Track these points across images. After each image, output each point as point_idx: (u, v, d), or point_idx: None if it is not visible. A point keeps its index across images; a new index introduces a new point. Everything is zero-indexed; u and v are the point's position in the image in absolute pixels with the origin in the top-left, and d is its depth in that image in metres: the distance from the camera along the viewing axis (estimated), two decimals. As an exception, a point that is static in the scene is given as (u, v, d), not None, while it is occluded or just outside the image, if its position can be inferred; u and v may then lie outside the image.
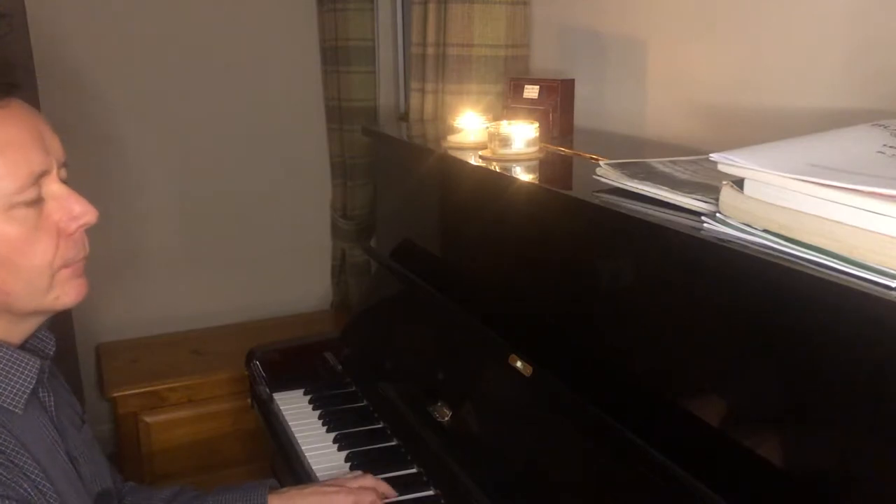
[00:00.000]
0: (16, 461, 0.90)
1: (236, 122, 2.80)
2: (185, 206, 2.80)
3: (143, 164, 2.70)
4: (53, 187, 0.94)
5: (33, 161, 0.91)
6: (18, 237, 0.90)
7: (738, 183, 0.86)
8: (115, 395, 2.40)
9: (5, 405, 0.93)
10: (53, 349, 1.04)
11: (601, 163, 1.16)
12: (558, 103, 1.65)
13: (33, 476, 0.91)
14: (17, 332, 0.98)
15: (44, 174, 0.92)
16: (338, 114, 2.74)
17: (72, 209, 0.95)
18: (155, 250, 2.75)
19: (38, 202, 0.92)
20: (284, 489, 1.29)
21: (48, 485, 0.93)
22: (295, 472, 1.46)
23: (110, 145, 2.58)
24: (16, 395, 0.94)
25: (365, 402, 1.67)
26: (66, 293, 0.97)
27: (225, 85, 2.75)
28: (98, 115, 2.58)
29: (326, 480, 1.35)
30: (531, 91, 1.70)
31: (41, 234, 0.92)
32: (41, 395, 0.99)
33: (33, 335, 1.01)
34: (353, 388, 1.73)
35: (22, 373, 0.95)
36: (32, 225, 0.91)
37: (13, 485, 0.88)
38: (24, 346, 0.99)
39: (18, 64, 2.29)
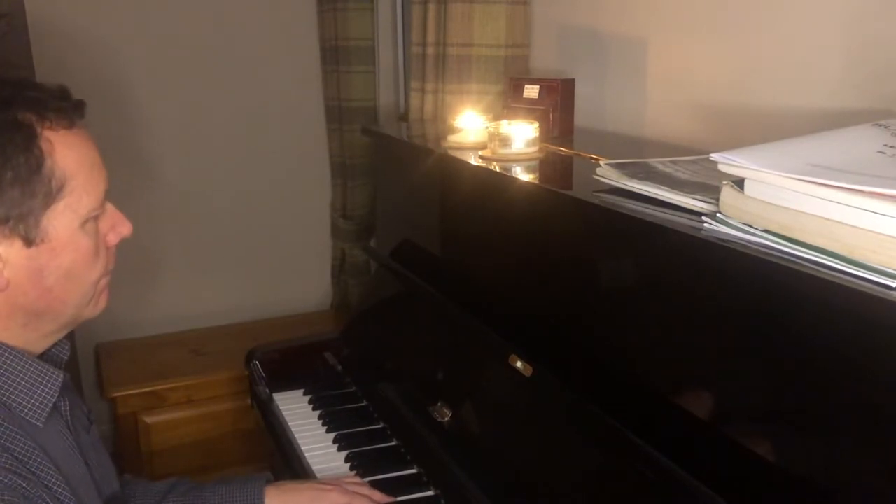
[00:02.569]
0: (36, 472, 0.90)
1: (236, 122, 2.79)
2: (185, 205, 2.80)
3: (142, 163, 2.70)
4: (106, 204, 1.01)
5: (104, 180, 0.99)
6: (88, 250, 0.96)
7: (739, 183, 0.86)
8: (115, 395, 2.40)
9: (28, 418, 0.93)
10: (68, 354, 1.05)
11: (601, 163, 1.16)
12: (558, 103, 1.65)
13: (53, 486, 0.92)
14: (43, 343, 0.99)
15: (106, 192, 1.00)
16: (338, 114, 2.74)
17: (116, 223, 1.02)
18: (155, 250, 2.75)
19: (98, 217, 0.98)
20: (281, 482, 1.30)
21: (68, 495, 0.93)
22: (295, 472, 1.46)
23: (108, 146, 2.58)
24: (39, 408, 0.94)
25: (365, 403, 1.67)
26: (99, 303, 1.03)
27: (224, 85, 2.75)
28: (97, 115, 2.58)
29: (323, 479, 1.35)
30: (531, 91, 1.70)
31: (100, 248, 0.99)
32: (58, 402, 1.00)
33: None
34: (353, 389, 1.73)
35: (46, 386, 0.95)
36: (95, 239, 0.98)
37: (34, 497, 0.88)
38: (43, 355, 1.00)
39: (18, 64, 2.30)
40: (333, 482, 1.31)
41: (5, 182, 0.88)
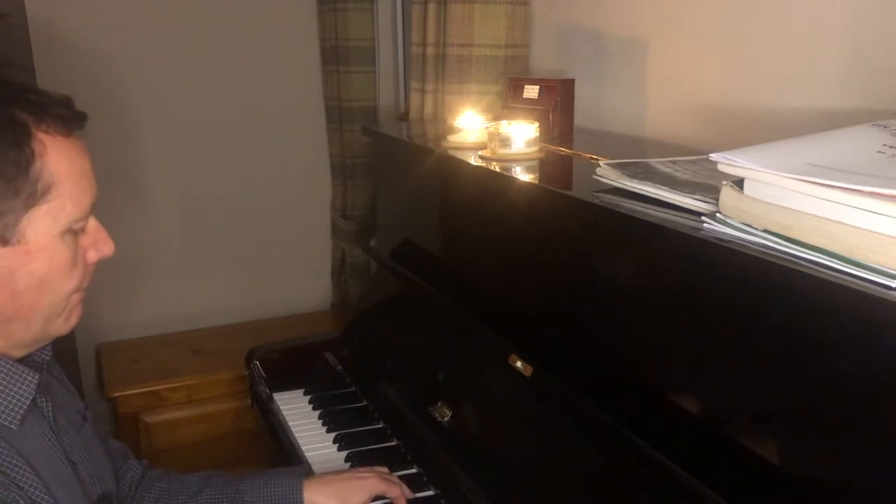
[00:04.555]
0: (10, 473, 0.90)
1: (236, 122, 2.79)
2: (185, 206, 2.80)
3: (142, 164, 2.70)
4: (90, 220, 0.99)
5: (92, 192, 0.97)
6: (64, 260, 0.94)
7: (738, 183, 0.86)
8: (115, 395, 2.40)
9: (1, 421, 0.93)
10: (49, 355, 1.04)
11: (601, 163, 1.16)
12: (558, 103, 1.65)
13: (28, 487, 0.91)
14: (14, 353, 0.98)
15: (93, 206, 0.98)
16: (338, 114, 2.74)
17: (99, 242, 1.00)
18: (155, 250, 2.75)
19: (80, 231, 0.97)
20: (320, 474, 1.31)
21: (45, 496, 0.93)
22: (295, 472, 1.46)
23: (109, 145, 2.58)
24: (13, 410, 0.94)
25: (365, 402, 1.67)
26: (69, 318, 1.00)
27: (225, 85, 2.75)
28: (97, 115, 2.58)
29: (359, 468, 1.35)
30: (531, 91, 1.70)
31: (77, 261, 0.97)
32: (39, 401, 0.99)
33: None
34: (353, 388, 1.73)
35: (20, 388, 0.95)
36: (73, 251, 0.96)
37: (6, 498, 0.87)
38: (22, 358, 0.99)
39: (18, 64, 2.30)
40: (370, 470, 1.31)
41: None
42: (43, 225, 0.91)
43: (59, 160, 0.91)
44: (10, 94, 0.91)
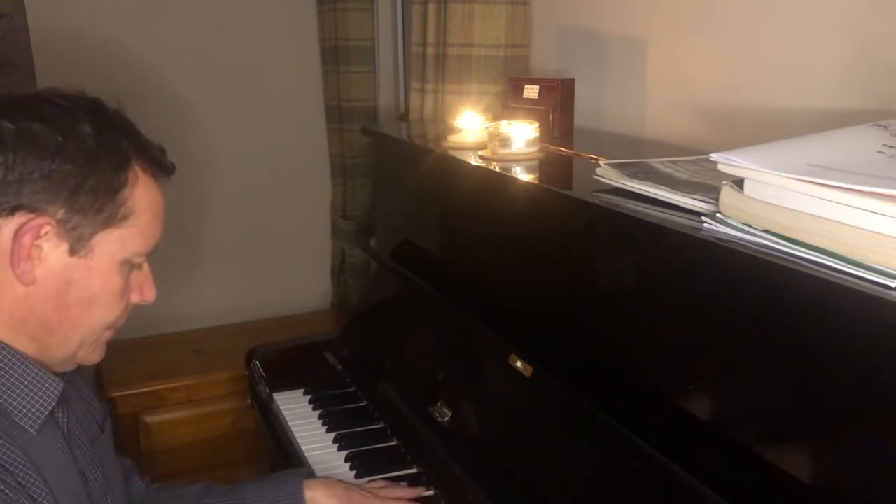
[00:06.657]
0: (23, 482, 0.90)
1: (236, 121, 2.79)
2: (185, 205, 2.79)
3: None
4: (145, 264, 1.06)
5: (159, 235, 1.05)
6: (115, 288, 1.00)
7: (738, 183, 0.86)
8: (115, 395, 2.39)
9: (22, 423, 0.93)
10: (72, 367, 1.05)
11: (601, 163, 1.16)
12: (558, 103, 1.65)
13: (39, 498, 0.92)
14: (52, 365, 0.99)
15: (154, 249, 1.04)
16: (338, 114, 2.74)
17: (145, 287, 1.07)
18: (154, 250, 2.75)
19: (135, 268, 1.03)
20: (324, 477, 1.33)
21: None
22: (295, 472, 1.46)
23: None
24: (34, 414, 0.94)
25: (365, 402, 1.67)
26: (95, 352, 1.05)
27: (224, 85, 2.75)
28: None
29: (367, 487, 1.34)
30: (531, 91, 1.70)
31: (124, 296, 1.02)
32: (56, 413, 1.00)
33: None
34: (353, 388, 1.73)
35: (44, 392, 0.96)
36: (125, 284, 1.01)
37: None
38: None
39: (18, 64, 2.30)
40: (370, 491, 1.31)
41: (85, 187, 0.92)
42: (111, 247, 0.97)
43: (144, 195, 0.99)
44: (122, 126, 1.00)
